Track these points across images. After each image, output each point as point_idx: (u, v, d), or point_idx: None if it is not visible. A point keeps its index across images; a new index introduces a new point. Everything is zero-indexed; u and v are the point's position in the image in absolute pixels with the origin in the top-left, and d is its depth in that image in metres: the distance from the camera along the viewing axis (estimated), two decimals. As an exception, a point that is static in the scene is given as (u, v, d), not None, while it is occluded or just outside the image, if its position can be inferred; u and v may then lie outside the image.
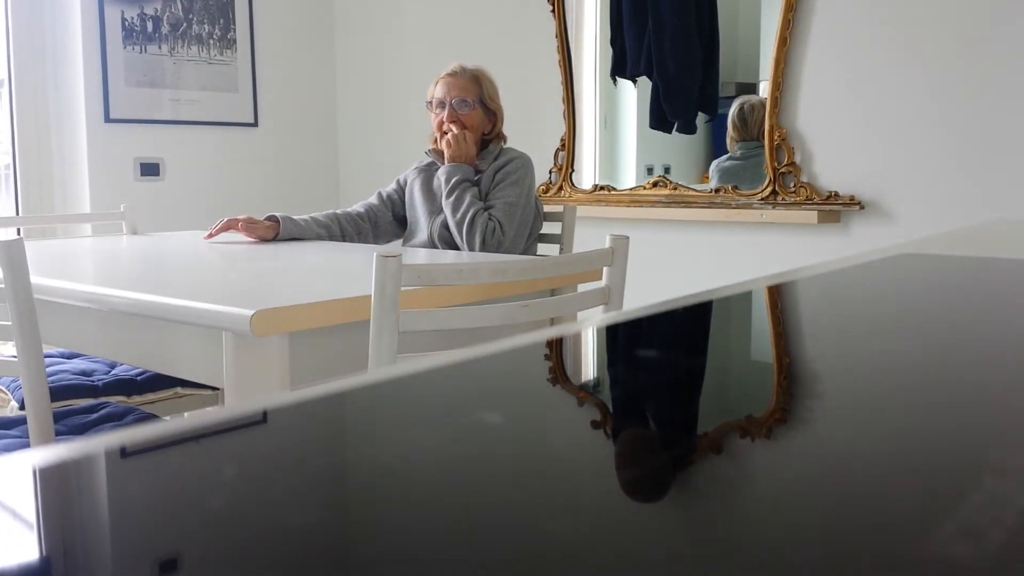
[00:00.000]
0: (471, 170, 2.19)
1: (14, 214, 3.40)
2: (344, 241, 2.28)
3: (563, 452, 0.34)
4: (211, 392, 2.09)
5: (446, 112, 2.20)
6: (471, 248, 2.10)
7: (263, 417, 0.36)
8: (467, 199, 2.12)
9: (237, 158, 3.84)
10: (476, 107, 2.21)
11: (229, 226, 2.20)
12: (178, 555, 0.24)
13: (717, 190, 2.84)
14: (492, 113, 2.24)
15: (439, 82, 2.24)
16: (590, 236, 2.79)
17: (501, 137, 2.28)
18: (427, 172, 2.29)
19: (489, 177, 2.19)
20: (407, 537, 0.26)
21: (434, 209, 2.23)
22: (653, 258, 2.99)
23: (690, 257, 2.95)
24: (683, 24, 2.92)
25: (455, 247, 2.16)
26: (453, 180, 2.16)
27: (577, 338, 0.55)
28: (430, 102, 2.26)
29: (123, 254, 2.05)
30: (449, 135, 2.19)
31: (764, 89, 2.76)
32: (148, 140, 3.58)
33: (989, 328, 0.57)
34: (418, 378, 0.43)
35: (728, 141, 2.87)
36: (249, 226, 2.17)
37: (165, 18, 3.57)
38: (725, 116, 2.91)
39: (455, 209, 2.13)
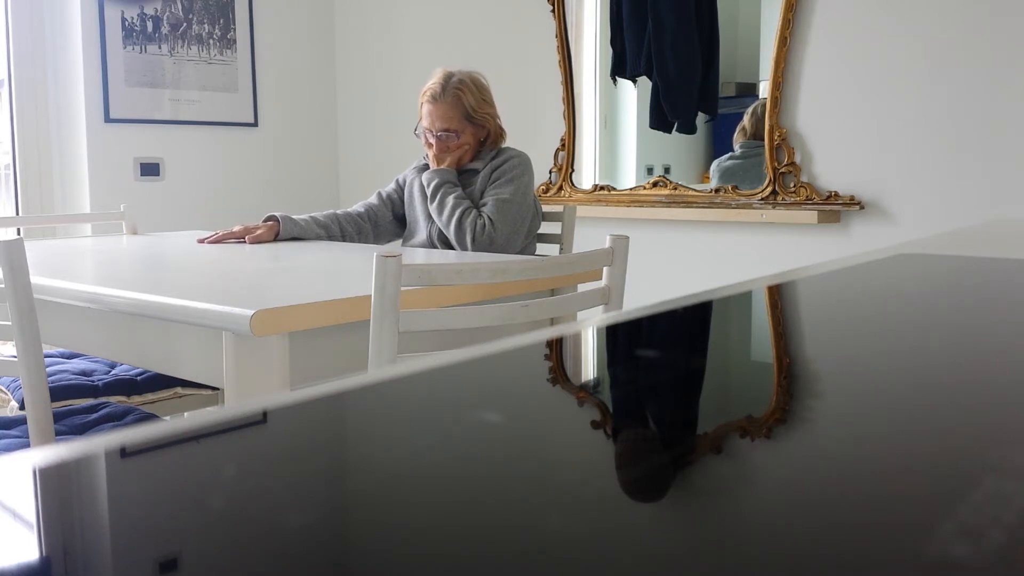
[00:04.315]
0: (453, 173, 2.20)
1: (14, 214, 3.41)
2: (344, 241, 2.28)
3: (563, 452, 0.34)
4: (211, 392, 2.09)
5: (435, 145, 2.20)
6: (463, 247, 2.11)
7: (263, 417, 0.36)
8: (449, 201, 2.13)
9: (237, 158, 3.84)
10: (463, 131, 2.20)
11: (226, 239, 2.19)
12: (178, 555, 0.24)
13: (717, 190, 2.84)
14: (481, 125, 2.23)
15: (423, 105, 2.21)
16: (590, 236, 2.80)
17: (500, 137, 2.27)
18: (425, 171, 2.29)
19: (486, 175, 2.19)
20: (407, 537, 0.26)
21: None
22: (653, 258, 2.99)
23: (690, 257, 2.95)
24: (683, 24, 2.92)
25: (454, 248, 2.17)
26: (433, 184, 2.17)
27: (577, 338, 0.55)
28: (420, 123, 2.25)
29: (123, 254, 2.05)
30: (434, 150, 2.21)
31: (764, 89, 2.76)
32: (148, 140, 3.58)
33: (989, 328, 0.57)
34: (418, 378, 0.43)
35: (736, 133, 2.86)
36: (252, 237, 2.16)
37: (165, 18, 3.57)
38: (725, 116, 2.91)
39: (439, 213, 2.15)
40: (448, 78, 2.19)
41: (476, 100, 2.19)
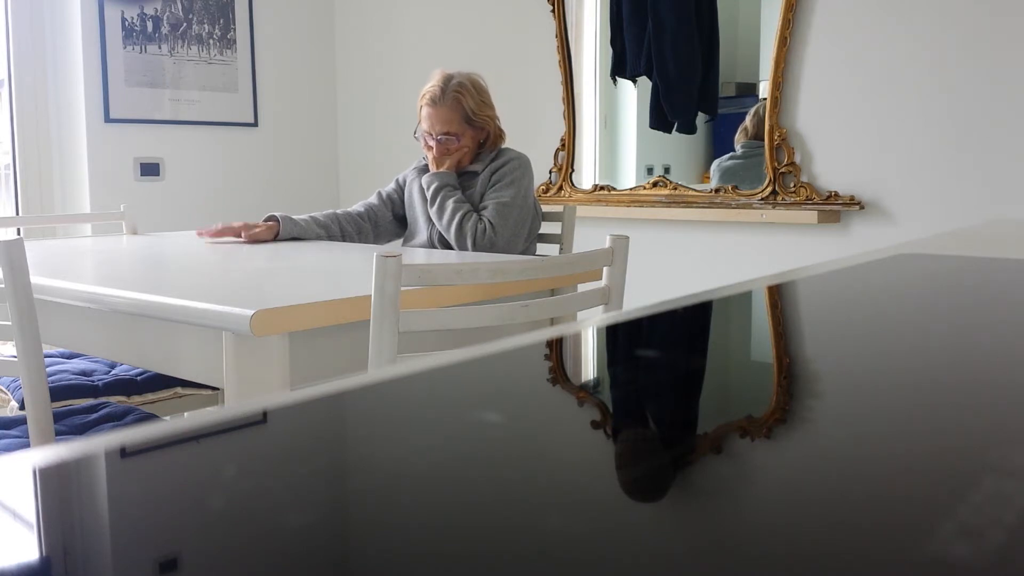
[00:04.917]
0: (453, 175, 2.19)
1: (14, 214, 3.40)
2: (344, 241, 2.28)
3: (563, 452, 0.34)
4: (211, 392, 2.09)
5: (435, 148, 2.20)
6: (463, 251, 2.11)
7: (263, 417, 0.36)
8: (449, 205, 2.12)
9: (237, 158, 3.84)
10: (463, 134, 2.19)
11: (225, 233, 2.20)
12: (178, 555, 0.24)
13: (717, 190, 2.84)
14: (480, 127, 2.22)
15: (423, 108, 2.20)
16: (590, 236, 2.80)
17: (500, 138, 2.27)
18: (425, 173, 2.29)
19: (486, 177, 2.19)
20: (407, 537, 0.26)
21: None
22: (653, 258, 2.99)
23: (690, 257, 2.95)
24: (683, 24, 2.92)
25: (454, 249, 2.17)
26: (432, 188, 2.17)
27: (577, 338, 0.55)
28: (419, 126, 2.25)
29: (123, 254, 2.05)
30: (434, 152, 2.21)
31: (764, 89, 2.76)
32: (148, 140, 3.58)
33: (989, 328, 0.57)
34: (418, 378, 0.43)
35: (738, 133, 2.86)
36: (250, 235, 2.17)
37: (165, 18, 3.57)
38: (725, 116, 2.91)
39: (439, 217, 2.15)
40: (447, 80, 2.18)
41: (476, 102, 2.19)
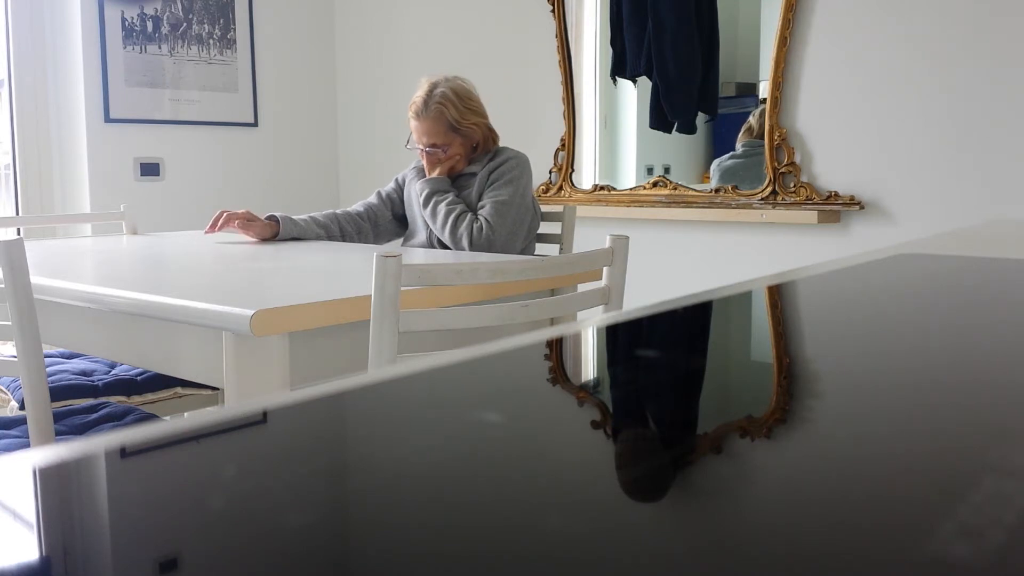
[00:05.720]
0: (446, 180, 2.20)
1: (14, 214, 3.40)
2: (344, 241, 2.28)
3: (563, 452, 0.34)
4: (211, 392, 2.09)
5: (425, 158, 2.21)
6: (459, 250, 2.11)
7: (263, 417, 0.36)
8: (442, 209, 2.13)
9: (237, 158, 3.84)
10: (451, 143, 2.19)
11: (228, 221, 2.20)
12: (178, 555, 0.24)
13: (717, 190, 2.84)
14: (468, 134, 2.21)
15: (410, 119, 2.21)
16: (590, 236, 2.80)
17: (491, 140, 2.26)
18: (425, 173, 2.29)
19: (483, 177, 2.18)
20: (407, 537, 0.26)
21: None
22: (653, 258, 2.99)
23: (690, 257, 2.95)
24: (683, 24, 2.92)
25: None
26: (424, 194, 2.18)
27: (577, 338, 0.55)
28: (411, 134, 2.26)
29: (123, 254, 2.05)
30: (426, 160, 2.22)
31: (764, 89, 2.76)
32: (148, 140, 3.58)
33: (989, 328, 0.57)
34: (418, 378, 0.43)
35: (741, 133, 2.85)
36: (247, 224, 2.18)
37: (165, 18, 3.57)
38: (725, 116, 2.91)
39: (433, 220, 2.16)
40: (430, 92, 2.18)
41: (459, 111, 2.17)
